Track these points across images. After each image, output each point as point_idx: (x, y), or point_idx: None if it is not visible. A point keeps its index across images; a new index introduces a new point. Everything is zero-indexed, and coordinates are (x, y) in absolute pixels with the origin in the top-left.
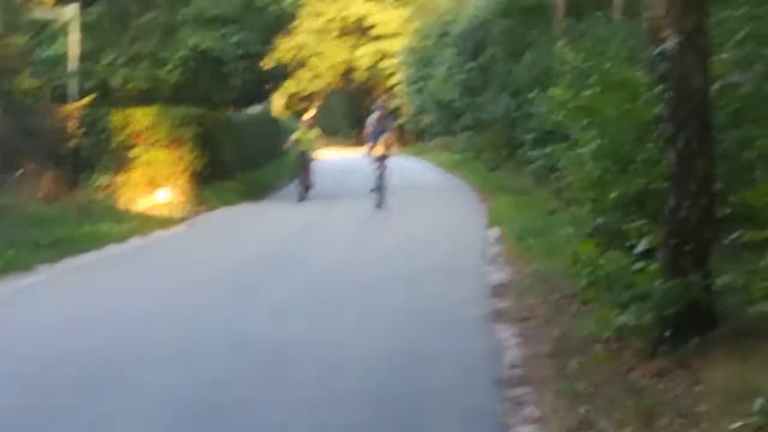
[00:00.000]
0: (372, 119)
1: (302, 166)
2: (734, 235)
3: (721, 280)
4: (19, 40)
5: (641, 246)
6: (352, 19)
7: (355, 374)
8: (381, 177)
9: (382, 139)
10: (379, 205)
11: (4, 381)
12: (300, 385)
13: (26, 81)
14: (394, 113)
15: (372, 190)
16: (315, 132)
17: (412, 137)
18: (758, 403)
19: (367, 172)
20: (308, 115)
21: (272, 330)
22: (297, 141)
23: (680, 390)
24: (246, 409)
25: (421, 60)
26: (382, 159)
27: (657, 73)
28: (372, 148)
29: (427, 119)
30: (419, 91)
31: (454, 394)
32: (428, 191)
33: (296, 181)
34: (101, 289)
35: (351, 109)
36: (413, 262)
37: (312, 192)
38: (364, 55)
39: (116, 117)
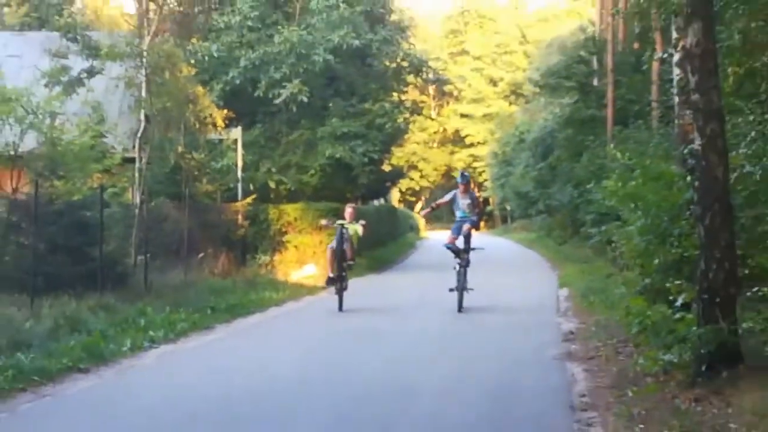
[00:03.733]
0: (452, 194)
1: (341, 242)
2: (753, 290)
3: (744, 326)
4: (199, 156)
5: (680, 300)
6: (450, 131)
7: (465, 394)
8: (463, 275)
9: (465, 227)
10: (460, 307)
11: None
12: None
13: (204, 186)
14: (483, 199)
15: (452, 290)
16: (357, 226)
17: (498, 221)
18: None
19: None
20: (350, 207)
21: (392, 373)
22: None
23: (715, 412)
24: None
25: (504, 161)
26: (464, 253)
27: (687, 167)
28: (453, 239)
29: (509, 206)
30: (502, 185)
31: (537, 417)
32: (510, 261)
33: (331, 256)
34: (265, 340)
35: None
36: (498, 316)
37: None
38: (460, 159)
39: (272, 212)
